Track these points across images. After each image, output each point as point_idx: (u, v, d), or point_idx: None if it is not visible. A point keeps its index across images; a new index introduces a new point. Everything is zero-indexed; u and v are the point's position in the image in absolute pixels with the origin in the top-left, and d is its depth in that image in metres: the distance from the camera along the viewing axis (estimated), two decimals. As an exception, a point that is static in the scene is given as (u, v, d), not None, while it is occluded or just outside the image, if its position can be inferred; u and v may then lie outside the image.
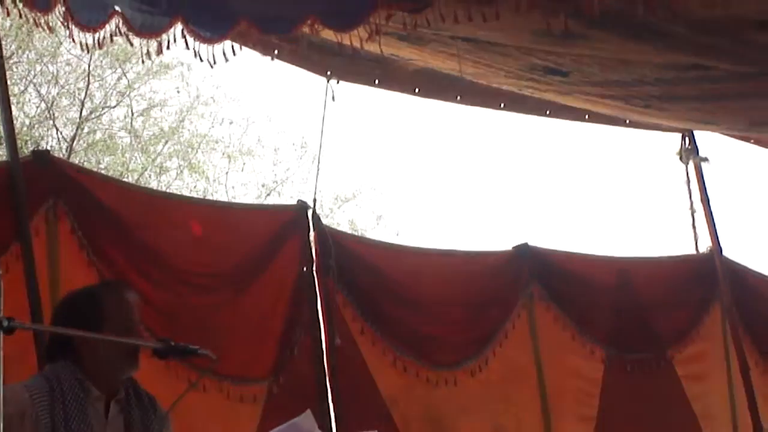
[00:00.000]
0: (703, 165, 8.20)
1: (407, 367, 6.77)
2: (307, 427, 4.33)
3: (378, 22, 4.59)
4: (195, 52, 4.72)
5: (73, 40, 4.89)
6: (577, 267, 7.68)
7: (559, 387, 7.36)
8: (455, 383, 6.93)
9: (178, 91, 21.35)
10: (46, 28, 4.88)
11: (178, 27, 4.66)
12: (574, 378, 7.48)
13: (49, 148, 18.51)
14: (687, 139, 8.17)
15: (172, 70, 21.00)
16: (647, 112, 7.09)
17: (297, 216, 6.54)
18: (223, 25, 4.68)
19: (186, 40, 4.69)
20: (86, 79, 20.20)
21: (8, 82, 5.57)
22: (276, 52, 5.66)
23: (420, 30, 4.92)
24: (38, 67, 20.04)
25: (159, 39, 4.73)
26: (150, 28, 4.72)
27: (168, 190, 18.71)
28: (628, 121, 7.72)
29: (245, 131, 22.20)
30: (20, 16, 4.83)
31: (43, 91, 20.31)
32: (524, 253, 7.45)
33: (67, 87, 20.38)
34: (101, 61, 20.25)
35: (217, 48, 4.75)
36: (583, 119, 7.56)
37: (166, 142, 21.40)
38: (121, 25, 4.72)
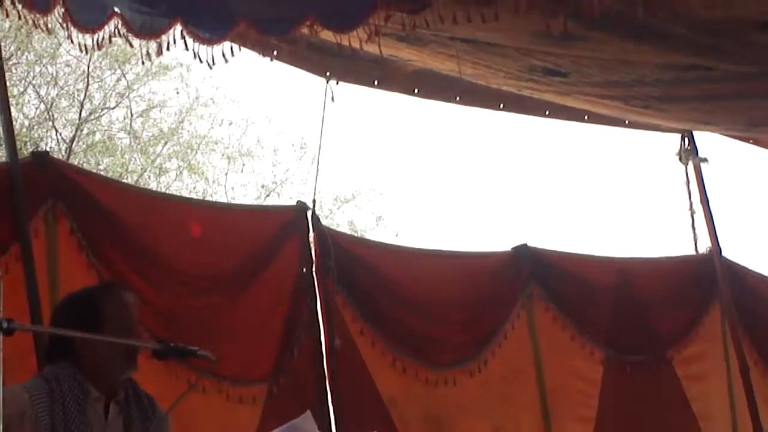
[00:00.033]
0: (703, 165, 8.20)
1: (406, 368, 6.77)
2: (307, 428, 4.33)
3: (377, 23, 4.59)
4: (194, 53, 4.72)
5: (72, 41, 4.90)
6: (577, 267, 7.67)
7: (558, 387, 7.35)
8: (454, 384, 6.93)
9: (178, 92, 21.37)
10: (44, 29, 4.88)
11: (178, 28, 4.66)
12: (574, 378, 7.48)
13: (48, 149, 18.52)
14: (686, 140, 8.17)
15: (171, 71, 21.02)
16: (647, 112, 7.10)
17: (296, 217, 6.54)
18: (222, 26, 4.68)
19: (185, 41, 4.70)
20: (85, 80, 20.21)
21: (7, 84, 5.57)
22: (275, 53, 5.66)
23: (419, 31, 4.92)
24: (37, 69, 20.05)
25: (158, 40, 4.73)
26: (149, 30, 4.72)
27: (167, 191, 18.72)
28: (627, 122, 7.72)
29: (245, 132, 22.21)
30: (19, 18, 4.83)
31: (43, 92, 20.34)
32: (523, 253, 7.45)
33: (66, 88, 20.39)
34: (100, 63, 20.27)
35: (217, 49, 4.75)
36: (582, 120, 7.56)
37: (166, 143, 21.40)
38: (120, 26, 4.72)
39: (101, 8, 4.75)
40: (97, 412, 3.89)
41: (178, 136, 21.48)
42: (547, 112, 7.41)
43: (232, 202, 20.02)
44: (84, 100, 20.30)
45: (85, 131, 20.67)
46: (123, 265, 5.71)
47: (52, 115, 20.17)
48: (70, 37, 4.87)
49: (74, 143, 20.18)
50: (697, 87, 6.16)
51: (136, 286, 5.40)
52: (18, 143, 5.72)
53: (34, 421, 3.76)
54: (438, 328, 6.98)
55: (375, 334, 6.67)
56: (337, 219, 21.80)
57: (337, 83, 6.36)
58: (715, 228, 8.20)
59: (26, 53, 19.71)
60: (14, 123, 5.96)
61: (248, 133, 22.35)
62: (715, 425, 7.91)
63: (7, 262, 5.26)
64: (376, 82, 6.71)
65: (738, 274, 8.27)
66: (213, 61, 4.74)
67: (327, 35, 5.02)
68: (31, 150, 16.10)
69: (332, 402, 6.42)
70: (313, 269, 6.49)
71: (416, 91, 6.90)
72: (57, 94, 20.34)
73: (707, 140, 8.21)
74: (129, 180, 19.43)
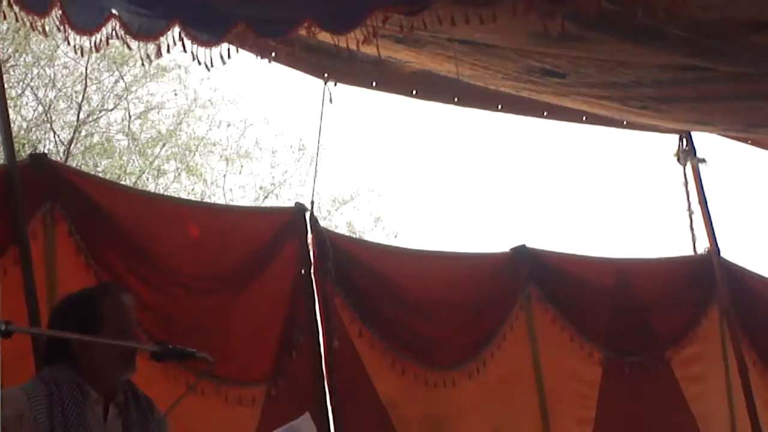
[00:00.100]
0: (701, 166, 8.21)
1: (405, 369, 6.76)
2: (306, 429, 4.32)
3: (375, 24, 4.59)
4: (192, 54, 4.72)
5: (69, 43, 4.89)
6: (575, 268, 7.67)
7: (557, 389, 7.35)
8: (453, 385, 6.93)
9: (176, 94, 21.38)
10: (42, 31, 4.88)
11: (176, 30, 4.66)
12: (573, 380, 7.47)
13: (46, 151, 18.53)
14: (684, 141, 8.18)
15: (169, 72, 21.02)
16: (645, 113, 7.10)
17: (295, 218, 6.54)
18: (220, 28, 4.68)
19: (183, 43, 4.70)
20: (83, 82, 20.21)
21: (5, 86, 5.56)
22: (273, 54, 5.65)
23: (417, 32, 4.92)
24: (35, 71, 20.06)
25: (157, 42, 4.73)
26: (147, 31, 4.72)
27: (165, 193, 18.71)
28: (625, 123, 7.73)
29: (243, 134, 22.23)
30: (17, 20, 4.83)
31: (41, 94, 20.33)
32: (522, 254, 7.44)
33: (64, 90, 20.39)
34: (98, 65, 20.27)
35: (215, 50, 4.75)
36: (580, 121, 7.57)
37: (164, 144, 21.40)
38: (118, 28, 4.72)
39: (99, 10, 4.76)
40: (96, 414, 3.88)
41: (177, 138, 21.48)
42: (545, 113, 7.41)
43: (231, 203, 20.01)
44: (82, 102, 20.30)
45: (83, 133, 20.66)
46: (121, 266, 5.71)
47: (50, 117, 20.16)
48: (67, 39, 4.87)
49: (72, 145, 20.18)
50: (694, 88, 6.16)
51: (135, 288, 5.40)
52: (16, 145, 5.71)
53: (33, 424, 3.75)
54: (437, 330, 6.98)
55: (374, 336, 6.66)
56: (336, 220, 21.83)
57: (335, 85, 6.35)
58: (713, 229, 8.20)
59: (24, 55, 19.71)
60: (12, 125, 5.96)
61: (246, 134, 22.36)
62: (714, 426, 7.91)
63: (6, 265, 5.26)
64: (374, 84, 6.71)
65: (736, 274, 8.27)
66: (211, 62, 4.75)
67: (325, 37, 5.02)
68: (29, 152, 16.12)
69: (331, 403, 6.41)
70: (312, 271, 6.49)
71: (414, 92, 6.91)
72: (55, 96, 20.35)
73: (705, 141, 8.23)
74: (127, 182, 19.43)
